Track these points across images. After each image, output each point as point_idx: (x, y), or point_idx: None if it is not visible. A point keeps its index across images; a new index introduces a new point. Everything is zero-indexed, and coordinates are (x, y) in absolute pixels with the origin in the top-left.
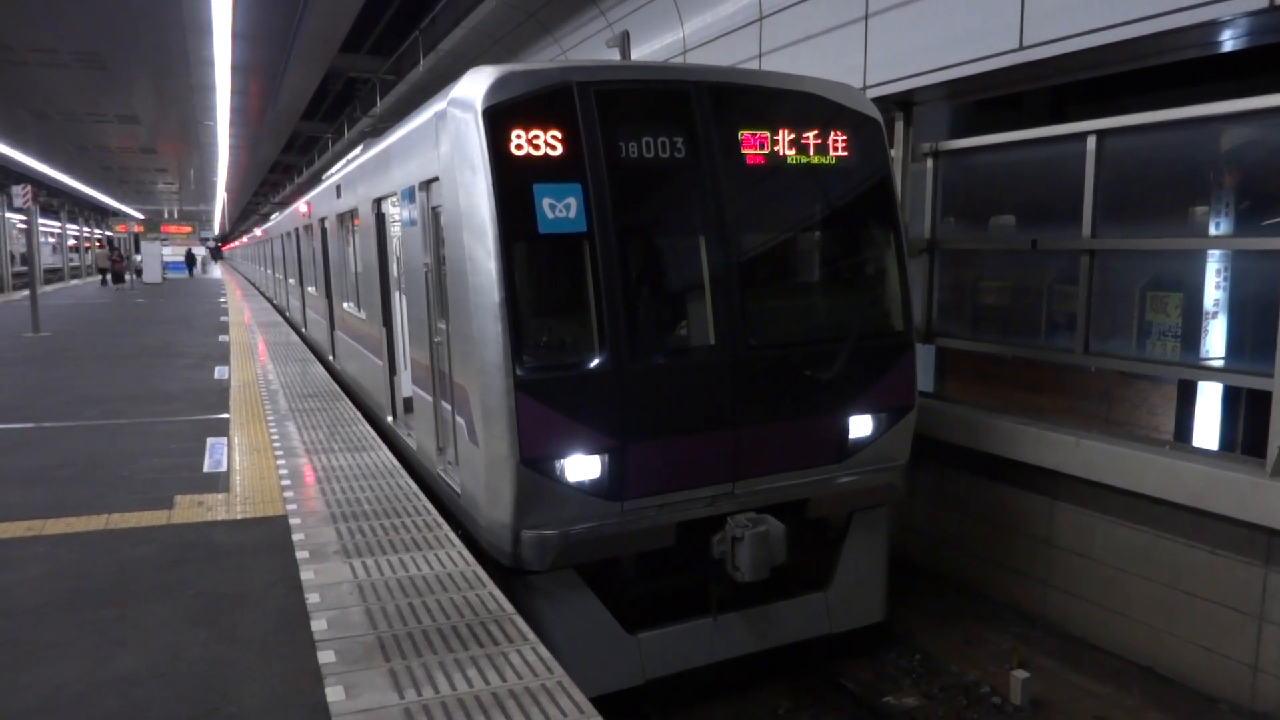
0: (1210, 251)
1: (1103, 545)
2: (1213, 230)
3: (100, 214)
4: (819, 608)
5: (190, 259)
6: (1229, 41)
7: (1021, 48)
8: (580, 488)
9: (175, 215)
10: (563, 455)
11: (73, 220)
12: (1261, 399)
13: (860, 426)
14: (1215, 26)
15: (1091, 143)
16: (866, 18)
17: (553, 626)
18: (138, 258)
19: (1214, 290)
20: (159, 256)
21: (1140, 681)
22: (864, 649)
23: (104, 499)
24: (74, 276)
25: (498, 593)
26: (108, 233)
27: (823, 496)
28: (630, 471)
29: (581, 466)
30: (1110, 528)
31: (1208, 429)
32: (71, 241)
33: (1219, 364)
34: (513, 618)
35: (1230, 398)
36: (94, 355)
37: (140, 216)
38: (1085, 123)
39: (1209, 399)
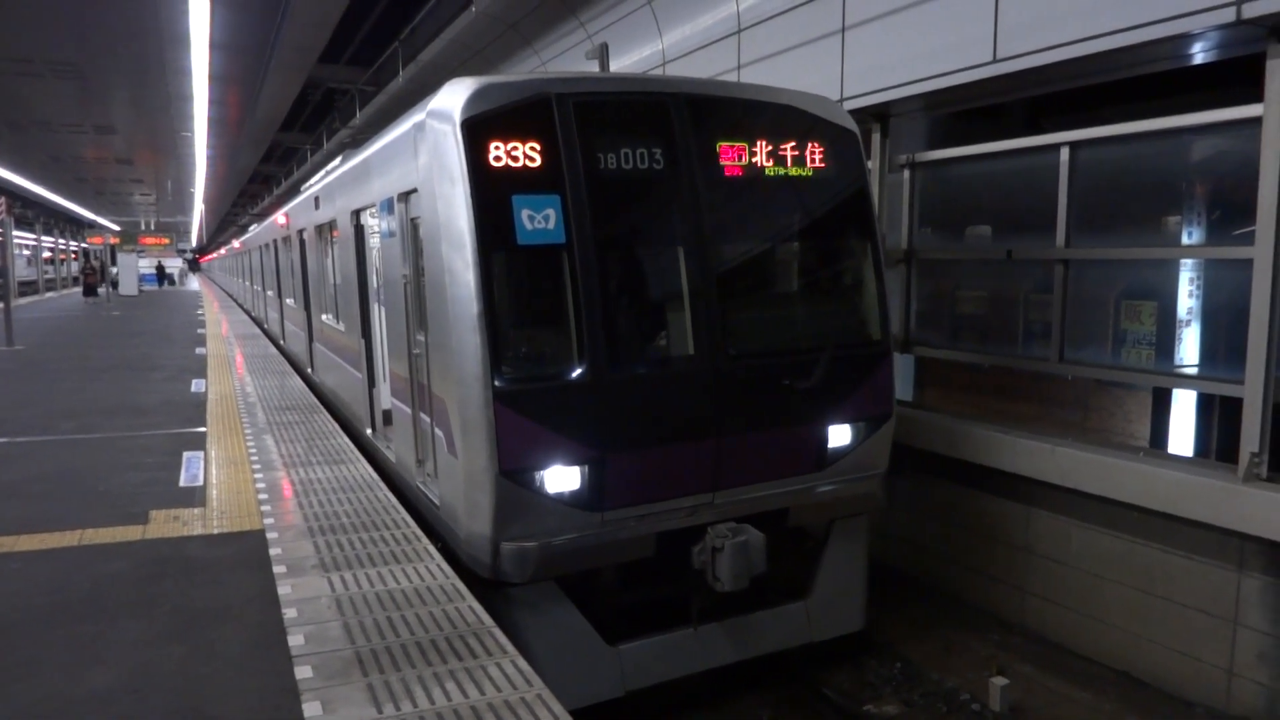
0: (1183, 260)
1: (1079, 551)
2: (1185, 239)
3: (76, 226)
4: (799, 617)
5: (161, 272)
6: (1200, 54)
7: (995, 60)
8: (560, 499)
9: (152, 227)
10: (542, 466)
11: (48, 232)
12: (1235, 406)
13: (839, 435)
14: (1186, 40)
15: (1065, 154)
16: (843, 30)
17: (533, 639)
18: (113, 269)
19: (1187, 298)
20: (135, 269)
21: (1117, 686)
22: (845, 657)
23: (78, 514)
24: (49, 289)
25: (477, 606)
26: (83, 244)
27: (802, 505)
28: (610, 482)
29: (561, 478)
30: (1087, 534)
31: (1183, 436)
32: (47, 254)
33: (1192, 371)
34: (492, 630)
35: (1205, 404)
36: (69, 369)
37: (116, 228)
38: (1058, 134)
39: (1184, 406)
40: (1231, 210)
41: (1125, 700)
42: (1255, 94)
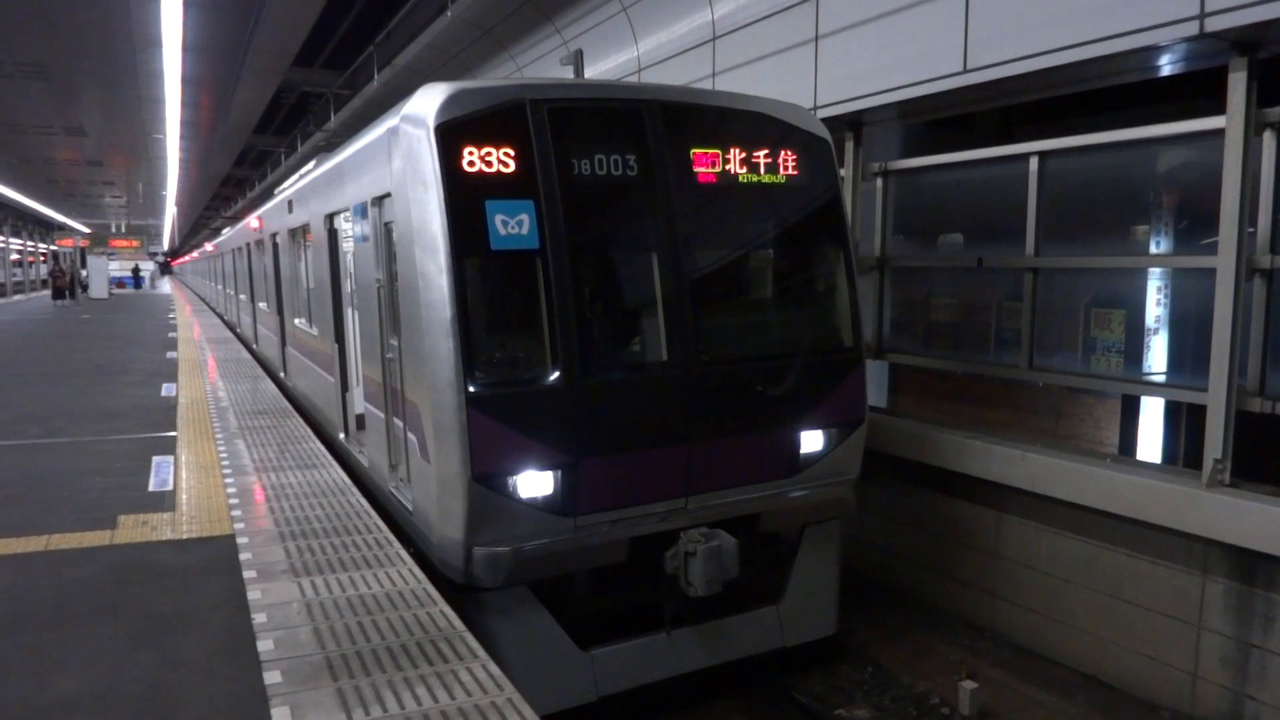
0: (1151, 269)
1: (1048, 557)
2: (1153, 249)
3: (45, 228)
4: (771, 622)
5: (138, 274)
6: (1166, 67)
7: (965, 70)
8: (533, 504)
9: (123, 229)
10: (515, 471)
11: (16, 235)
12: (1201, 413)
13: (811, 441)
14: (1151, 52)
15: (1034, 163)
16: (816, 39)
17: (506, 644)
18: (83, 272)
19: (1155, 307)
20: (105, 271)
21: (1085, 690)
22: (816, 662)
23: (44, 520)
24: (17, 292)
25: (448, 610)
26: (53, 247)
27: (775, 511)
28: (583, 487)
29: (534, 482)
30: (1055, 539)
31: (1151, 442)
32: (15, 257)
33: (1160, 379)
34: (463, 635)
35: (1173, 411)
36: (36, 372)
37: (86, 231)
38: (1027, 144)
39: (1152, 413)
40: (1198, 220)
41: (1092, 704)
42: (1221, 106)
